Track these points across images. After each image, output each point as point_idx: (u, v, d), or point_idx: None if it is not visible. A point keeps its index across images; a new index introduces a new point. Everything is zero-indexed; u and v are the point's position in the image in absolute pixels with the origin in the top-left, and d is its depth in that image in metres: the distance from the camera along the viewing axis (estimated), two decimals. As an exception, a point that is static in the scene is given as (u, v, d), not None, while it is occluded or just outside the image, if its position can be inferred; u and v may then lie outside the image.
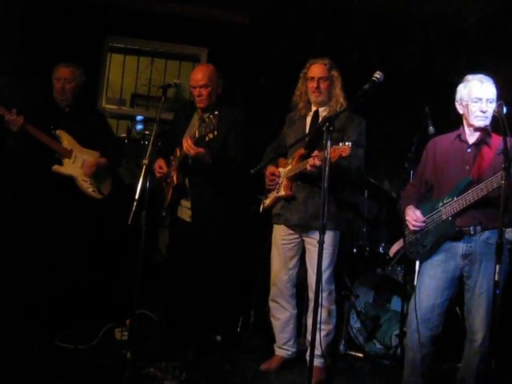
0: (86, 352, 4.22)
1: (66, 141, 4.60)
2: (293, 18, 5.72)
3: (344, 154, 3.52)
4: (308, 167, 3.88)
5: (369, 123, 4.24)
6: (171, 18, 5.90)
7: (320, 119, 4.14)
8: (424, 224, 3.53)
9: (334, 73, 4.14)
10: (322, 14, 5.65)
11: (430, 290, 3.46)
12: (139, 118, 6.45)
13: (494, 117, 3.34)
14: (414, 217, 3.56)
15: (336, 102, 4.12)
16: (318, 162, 3.77)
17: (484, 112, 3.38)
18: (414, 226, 3.56)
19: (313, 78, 4.13)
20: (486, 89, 3.38)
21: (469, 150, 3.47)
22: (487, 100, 3.36)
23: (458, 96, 3.50)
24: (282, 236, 4.28)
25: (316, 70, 4.13)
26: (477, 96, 3.38)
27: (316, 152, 3.80)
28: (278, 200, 4.25)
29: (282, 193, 4.18)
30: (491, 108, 3.36)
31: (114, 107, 6.35)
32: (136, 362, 3.75)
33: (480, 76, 3.44)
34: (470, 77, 3.47)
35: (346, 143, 3.53)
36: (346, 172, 3.98)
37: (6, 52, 5.43)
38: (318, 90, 4.13)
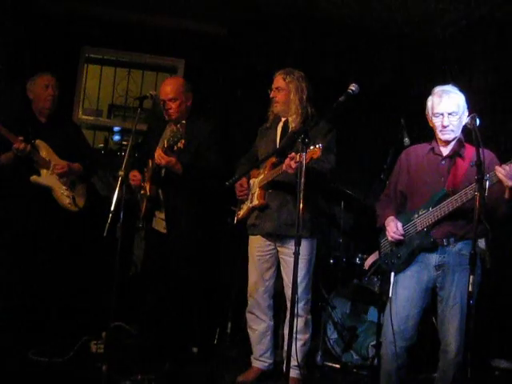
0: (61, 365, 4.19)
1: (45, 151, 4.54)
2: (269, 29, 5.75)
3: (315, 156, 3.50)
4: (284, 167, 3.83)
5: (345, 135, 4.26)
6: (148, 29, 5.91)
7: (290, 128, 4.18)
8: (402, 237, 3.51)
9: (294, 82, 4.15)
10: (298, 26, 5.68)
11: (405, 300, 3.47)
12: (116, 128, 6.41)
13: (467, 128, 3.30)
14: (393, 228, 3.52)
15: (296, 110, 4.13)
16: (293, 165, 3.73)
17: (445, 126, 3.39)
18: (392, 237, 3.54)
19: (272, 89, 4.21)
20: (446, 102, 3.38)
21: (443, 162, 3.49)
22: (449, 114, 3.37)
23: (426, 109, 3.51)
24: (257, 247, 4.27)
25: (275, 81, 4.21)
26: (437, 111, 3.40)
27: (293, 154, 3.75)
28: (252, 210, 4.25)
29: (256, 202, 4.18)
30: (455, 121, 3.38)
31: (91, 118, 6.31)
32: (112, 374, 3.72)
33: (442, 88, 3.44)
34: (435, 89, 3.47)
35: (317, 145, 3.51)
36: (318, 176, 3.94)
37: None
38: (275, 100, 4.19)
